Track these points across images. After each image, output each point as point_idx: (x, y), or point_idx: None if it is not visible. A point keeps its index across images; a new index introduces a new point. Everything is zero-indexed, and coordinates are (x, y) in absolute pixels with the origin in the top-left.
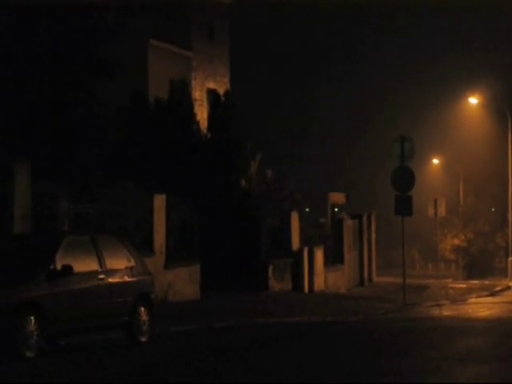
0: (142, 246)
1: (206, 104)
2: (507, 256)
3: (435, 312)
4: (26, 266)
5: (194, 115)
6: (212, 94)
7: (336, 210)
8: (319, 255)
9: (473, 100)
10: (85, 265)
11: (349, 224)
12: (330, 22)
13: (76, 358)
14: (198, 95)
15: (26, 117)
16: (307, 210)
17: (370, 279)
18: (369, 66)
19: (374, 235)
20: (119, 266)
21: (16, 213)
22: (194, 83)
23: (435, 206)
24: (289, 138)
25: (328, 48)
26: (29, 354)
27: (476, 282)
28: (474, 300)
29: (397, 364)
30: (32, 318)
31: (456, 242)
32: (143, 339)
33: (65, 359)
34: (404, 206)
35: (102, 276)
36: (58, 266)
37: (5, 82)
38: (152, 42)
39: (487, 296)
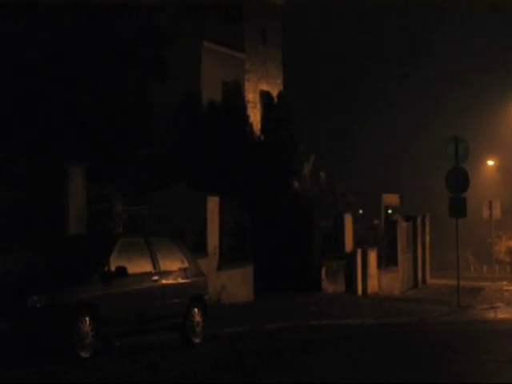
0: (195, 247)
1: (258, 106)
2: None
3: (490, 315)
4: (80, 267)
5: (247, 117)
6: (265, 96)
7: (390, 211)
8: (373, 257)
9: None
10: (139, 266)
11: (403, 226)
12: (384, 21)
13: (130, 358)
14: (251, 97)
15: (81, 119)
16: (360, 211)
17: (424, 281)
18: (423, 67)
19: (427, 237)
20: (173, 267)
21: (71, 214)
22: (247, 85)
23: (490, 208)
24: (342, 139)
25: (382, 48)
26: (84, 354)
27: None
28: None
29: (452, 366)
30: (87, 318)
31: (511, 243)
32: (197, 340)
33: (119, 360)
34: (458, 208)
35: (155, 277)
36: (113, 268)
37: (58, 84)
38: (205, 44)
39: None
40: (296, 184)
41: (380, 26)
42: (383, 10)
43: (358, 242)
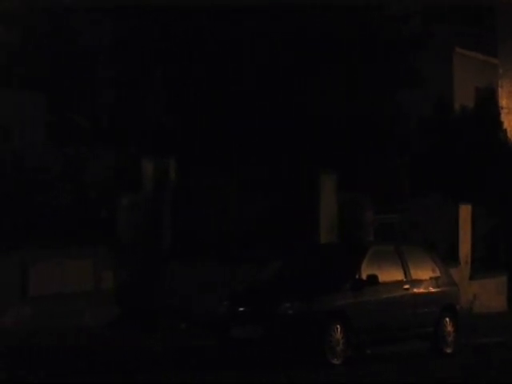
0: (446, 256)
1: None
2: None
3: None
4: (332, 275)
5: (500, 123)
6: None
7: None
8: None
9: None
10: (389, 275)
11: None
12: None
13: (380, 367)
14: (505, 103)
15: (333, 126)
16: None
17: None
18: None
19: None
20: (424, 276)
21: (322, 223)
22: (500, 91)
23: None
24: None
25: None
26: (335, 361)
27: None
28: None
29: None
30: (338, 326)
31: None
32: (448, 350)
33: (369, 368)
34: None
35: (406, 286)
36: (364, 276)
37: (314, 96)
38: (457, 50)
39: None
40: None
41: None
42: None
43: None
